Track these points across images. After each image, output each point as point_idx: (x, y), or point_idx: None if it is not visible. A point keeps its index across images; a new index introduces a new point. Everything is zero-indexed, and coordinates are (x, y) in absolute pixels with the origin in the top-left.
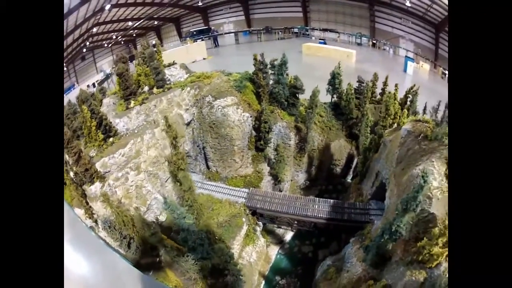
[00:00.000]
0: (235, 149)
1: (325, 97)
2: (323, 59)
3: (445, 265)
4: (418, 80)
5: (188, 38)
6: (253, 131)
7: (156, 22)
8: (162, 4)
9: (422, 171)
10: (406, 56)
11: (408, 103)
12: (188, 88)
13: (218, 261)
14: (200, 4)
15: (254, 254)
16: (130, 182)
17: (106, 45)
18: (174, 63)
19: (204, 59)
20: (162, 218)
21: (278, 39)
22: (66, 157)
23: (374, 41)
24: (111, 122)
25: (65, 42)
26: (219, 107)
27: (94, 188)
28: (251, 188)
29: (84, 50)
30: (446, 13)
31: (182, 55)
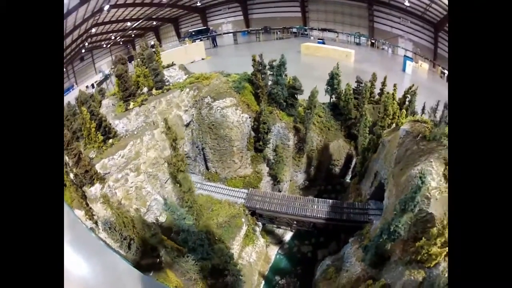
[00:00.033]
0: (234, 150)
1: (323, 98)
2: (321, 59)
3: (443, 264)
4: (417, 79)
5: (186, 39)
6: (252, 132)
7: (154, 23)
8: (161, 4)
9: (419, 172)
10: (405, 56)
11: (407, 103)
12: (187, 89)
13: (218, 261)
14: (198, 4)
15: (254, 254)
16: (130, 183)
17: (105, 45)
18: (173, 64)
19: (202, 59)
20: (162, 219)
21: (277, 39)
22: (66, 158)
23: (373, 41)
24: (110, 124)
25: (64, 43)
26: (218, 108)
27: (94, 190)
28: (250, 189)
29: (83, 50)
30: (445, 13)
31: (180, 55)
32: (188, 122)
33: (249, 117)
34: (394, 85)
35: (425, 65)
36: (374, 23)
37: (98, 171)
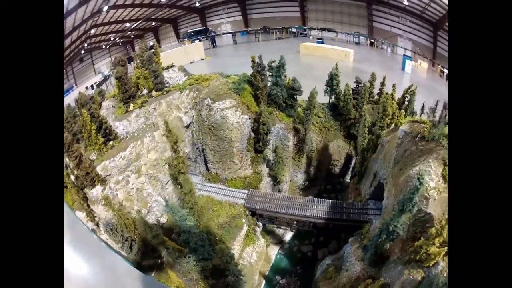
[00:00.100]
0: (234, 151)
1: (323, 98)
2: (321, 59)
3: (442, 264)
4: (416, 78)
5: (186, 39)
6: (251, 133)
7: (154, 23)
8: (160, 5)
9: (417, 173)
10: (404, 55)
11: (406, 103)
12: (187, 91)
13: (219, 261)
14: (197, 4)
15: (254, 254)
16: (131, 185)
17: (104, 46)
18: (172, 66)
19: (202, 59)
20: (163, 220)
21: (276, 39)
22: (67, 160)
23: (372, 40)
24: (111, 126)
25: (63, 44)
26: (218, 109)
27: (95, 191)
28: (250, 189)
29: (82, 51)
30: (444, 12)
31: (180, 56)
32: (188, 124)
33: (249, 118)
34: (393, 85)
35: (425, 64)
36: (373, 23)
37: (99, 173)
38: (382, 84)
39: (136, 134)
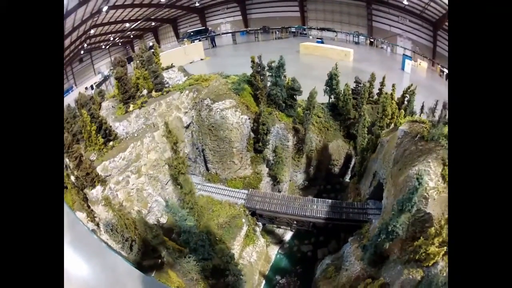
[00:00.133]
0: (234, 151)
1: (322, 98)
2: (320, 59)
3: (442, 264)
4: (416, 78)
5: (185, 39)
6: (251, 133)
7: (153, 23)
8: (159, 5)
9: (416, 173)
10: (404, 54)
11: (406, 102)
12: (187, 91)
13: (219, 261)
14: (197, 4)
15: (254, 254)
16: (131, 185)
17: (103, 46)
18: (172, 66)
19: (201, 59)
20: (163, 220)
21: (276, 38)
22: (67, 161)
23: (372, 40)
24: (111, 126)
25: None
26: (218, 110)
27: (95, 192)
28: (250, 189)
29: (82, 52)
30: (443, 11)
31: (179, 56)
32: (188, 124)
33: (249, 119)
34: (393, 85)
35: (424, 64)
36: (373, 22)
37: (99, 174)
38: (382, 84)
39: (136, 135)
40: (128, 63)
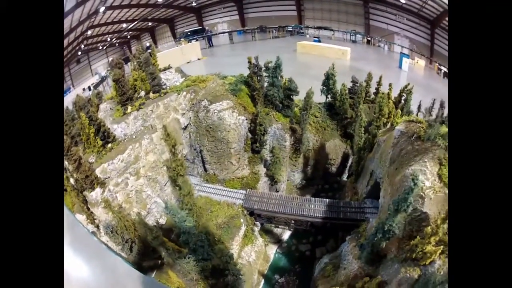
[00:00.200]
0: (232, 152)
1: (319, 98)
2: (317, 57)
3: (439, 262)
4: (413, 76)
5: (182, 39)
6: (249, 134)
7: (150, 24)
8: (156, 5)
9: (412, 174)
10: (401, 53)
11: (402, 102)
12: (184, 93)
13: (218, 261)
14: (194, 4)
15: (253, 254)
16: (130, 187)
17: (101, 47)
18: (169, 67)
19: (199, 59)
20: (162, 221)
21: (273, 37)
22: (66, 164)
23: (369, 38)
24: (109, 128)
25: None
26: (215, 111)
27: (95, 194)
28: (248, 190)
29: (79, 53)
30: (441, 9)
31: (176, 56)
32: (185, 125)
33: (246, 119)
34: (390, 85)
35: (422, 62)
36: (370, 21)
37: (98, 176)
38: (379, 83)
39: (134, 137)
40: (125, 64)
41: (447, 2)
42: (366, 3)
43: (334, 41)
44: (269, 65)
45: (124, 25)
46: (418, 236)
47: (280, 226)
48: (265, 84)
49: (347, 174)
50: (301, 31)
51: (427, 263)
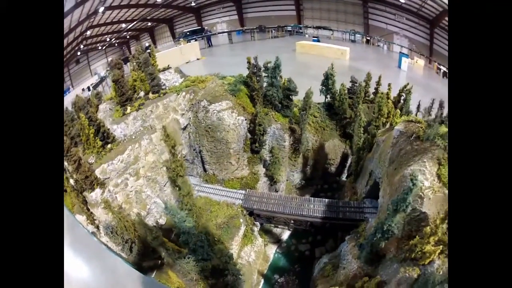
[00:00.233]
0: (231, 152)
1: (318, 97)
2: (317, 57)
3: (438, 262)
4: (412, 76)
5: (181, 39)
6: (248, 134)
7: (149, 24)
8: (155, 5)
9: (411, 174)
10: (400, 52)
11: (402, 101)
12: (183, 93)
13: (218, 261)
14: (193, 4)
15: (253, 254)
16: (130, 187)
17: (100, 47)
18: (168, 67)
19: (198, 59)
20: (162, 221)
21: (272, 37)
22: (66, 164)
23: (368, 38)
24: (108, 129)
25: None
26: (214, 111)
27: (94, 195)
28: (247, 190)
29: (79, 53)
30: (440, 9)
31: (176, 56)
32: (185, 126)
33: (245, 119)
34: (389, 85)
35: (421, 62)
36: (369, 20)
37: (98, 176)
38: (378, 83)
39: (133, 137)
40: (125, 64)
41: (446, 1)
42: (365, 3)
43: (333, 40)
44: (268, 65)
45: (123, 25)
46: (417, 236)
47: (279, 226)
48: (264, 84)
49: (346, 174)
50: (300, 31)
51: (426, 262)
